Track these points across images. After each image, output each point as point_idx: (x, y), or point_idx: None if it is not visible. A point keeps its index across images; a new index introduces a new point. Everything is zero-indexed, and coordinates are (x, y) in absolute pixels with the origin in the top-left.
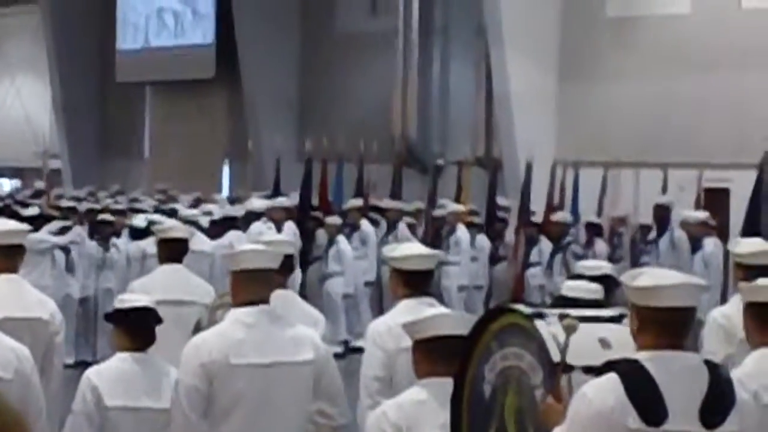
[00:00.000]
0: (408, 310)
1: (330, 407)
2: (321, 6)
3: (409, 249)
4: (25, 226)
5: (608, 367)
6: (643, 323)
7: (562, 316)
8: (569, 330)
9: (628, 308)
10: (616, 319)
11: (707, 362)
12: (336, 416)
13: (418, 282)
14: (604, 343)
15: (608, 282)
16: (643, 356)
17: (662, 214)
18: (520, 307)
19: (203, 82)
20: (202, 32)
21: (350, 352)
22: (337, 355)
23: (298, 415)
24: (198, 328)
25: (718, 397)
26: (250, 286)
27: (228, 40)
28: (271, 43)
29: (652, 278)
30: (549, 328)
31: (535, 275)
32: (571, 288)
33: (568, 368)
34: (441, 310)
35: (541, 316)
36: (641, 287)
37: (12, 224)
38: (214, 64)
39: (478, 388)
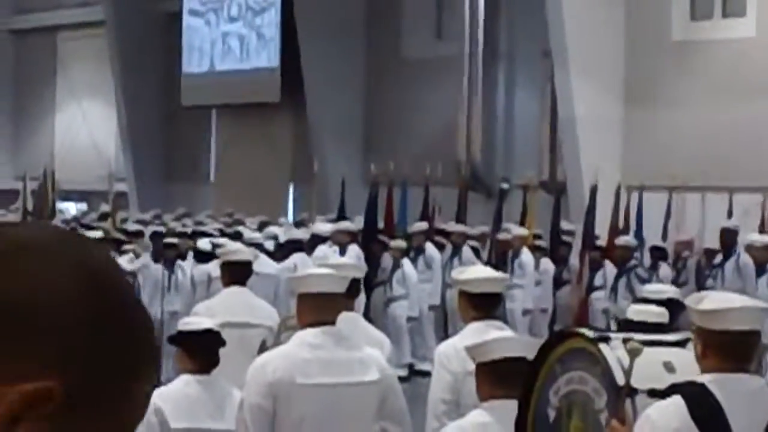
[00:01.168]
0: (476, 333)
1: (394, 427)
2: (386, 30)
3: (478, 272)
4: None
5: (673, 390)
6: (708, 346)
7: (626, 340)
8: (633, 354)
9: (693, 332)
10: (681, 344)
11: None
12: None
13: (486, 305)
14: (669, 367)
15: (673, 306)
16: (708, 379)
17: (729, 238)
18: (585, 331)
19: (268, 106)
20: (267, 56)
21: (415, 375)
22: (401, 379)
23: None
24: (263, 350)
25: None
26: (317, 309)
27: (293, 64)
28: (336, 67)
29: (717, 301)
30: (613, 352)
31: (599, 299)
32: (637, 312)
33: (633, 392)
34: (506, 333)
35: (605, 340)
36: (706, 310)
37: None
38: (279, 88)
39: (543, 411)
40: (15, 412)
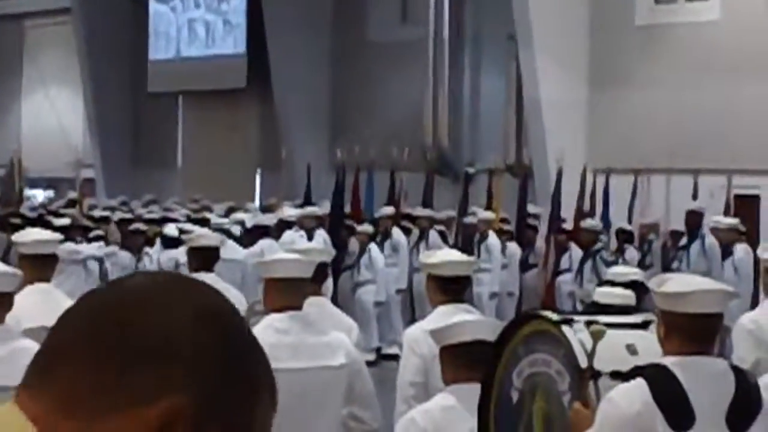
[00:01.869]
0: (444, 316)
1: (362, 411)
2: (352, 15)
3: (446, 255)
4: (57, 236)
5: (635, 372)
6: (670, 329)
7: (589, 323)
8: (596, 336)
9: (656, 314)
10: (643, 326)
11: (734, 367)
12: (368, 420)
13: (454, 288)
14: (631, 350)
15: (638, 288)
16: (670, 361)
17: (695, 220)
18: (548, 313)
19: (235, 92)
20: (233, 42)
21: (382, 359)
22: (369, 363)
23: (331, 419)
24: None
25: (745, 403)
26: (284, 293)
27: (259, 50)
28: (302, 52)
29: (679, 284)
30: (576, 335)
31: (565, 282)
32: (604, 294)
33: (596, 374)
34: (472, 316)
35: (568, 322)
36: (668, 293)
37: (44, 234)
38: (245, 74)
39: (506, 393)
40: (154, 430)
